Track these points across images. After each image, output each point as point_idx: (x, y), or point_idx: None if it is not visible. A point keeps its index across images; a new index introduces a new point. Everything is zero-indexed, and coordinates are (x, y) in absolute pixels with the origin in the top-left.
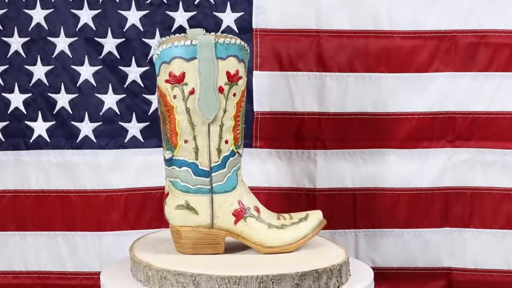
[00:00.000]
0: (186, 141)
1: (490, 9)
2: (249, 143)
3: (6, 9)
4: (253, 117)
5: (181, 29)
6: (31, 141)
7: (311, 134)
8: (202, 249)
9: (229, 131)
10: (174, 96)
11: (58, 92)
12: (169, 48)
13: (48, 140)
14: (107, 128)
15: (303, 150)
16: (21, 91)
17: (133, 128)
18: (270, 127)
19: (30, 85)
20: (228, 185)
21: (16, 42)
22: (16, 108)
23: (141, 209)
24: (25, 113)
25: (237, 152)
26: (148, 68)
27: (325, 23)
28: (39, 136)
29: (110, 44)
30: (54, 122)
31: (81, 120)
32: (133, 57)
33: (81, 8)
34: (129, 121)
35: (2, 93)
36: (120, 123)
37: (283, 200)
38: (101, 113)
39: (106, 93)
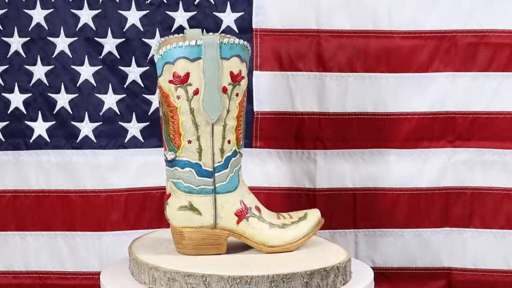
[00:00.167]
0: (189, 142)
1: (490, 9)
2: (249, 143)
3: (6, 9)
4: (253, 117)
5: (181, 29)
6: (31, 141)
7: (311, 134)
8: (205, 249)
9: (232, 131)
10: (178, 97)
11: (58, 92)
12: (173, 49)
13: (48, 140)
14: (107, 128)
15: (303, 150)
16: (21, 91)
17: (133, 128)
18: (270, 127)
19: (30, 85)
20: (231, 185)
21: (16, 42)
22: (16, 108)
23: (141, 209)
24: (25, 113)
25: (239, 152)
26: (148, 68)
27: (325, 23)
28: (39, 136)
29: (110, 44)
30: (54, 122)
31: (81, 120)
32: (133, 57)
33: (81, 8)
34: (129, 121)
35: (2, 93)
36: (120, 123)
37: (283, 200)
38: (101, 113)
39: (106, 93)
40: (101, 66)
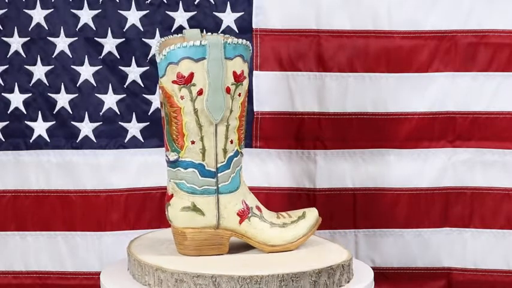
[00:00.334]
0: (193, 142)
1: (490, 9)
2: (249, 143)
3: (6, 9)
4: (253, 117)
5: (181, 29)
6: (31, 141)
7: (311, 134)
8: (207, 250)
9: (235, 131)
10: (182, 97)
11: (58, 92)
12: (177, 49)
13: (48, 140)
14: (107, 128)
15: (303, 150)
16: (21, 91)
17: (133, 128)
18: (270, 127)
19: (30, 85)
20: (233, 185)
21: (16, 42)
22: (16, 108)
23: (141, 209)
24: (25, 113)
25: (240, 152)
26: (148, 68)
27: (325, 23)
28: (39, 136)
29: (110, 44)
30: (54, 122)
31: (81, 120)
32: (133, 57)
33: (81, 8)
34: (129, 121)
35: (2, 93)
36: (120, 123)
37: (283, 200)
38: (101, 113)
39: (106, 93)
40: (101, 66)
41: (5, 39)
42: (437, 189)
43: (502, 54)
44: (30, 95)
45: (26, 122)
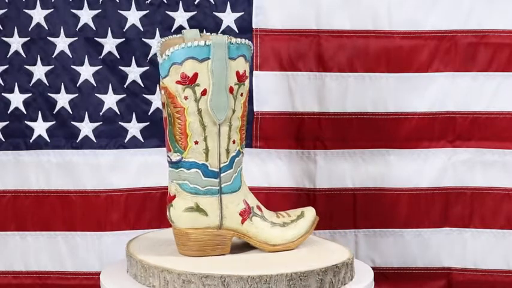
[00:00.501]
0: (196, 143)
1: (490, 9)
2: (249, 143)
3: (6, 9)
4: (253, 117)
5: (181, 29)
6: (31, 141)
7: (311, 134)
8: (210, 250)
9: (237, 131)
10: (186, 98)
11: (58, 92)
12: (181, 49)
13: (48, 140)
14: (107, 128)
15: (303, 150)
16: (21, 91)
17: (133, 128)
18: (270, 127)
19: (30, 85)
20: (235, 185)
21: (16, 42)
22: (16, 108)
23: (141, 209)
24: (25, 113)
25: (242, 151)
26: (148, 68)
27: (325, 23)
28: (39, 136)
29: (110, 44)
30: (54, 122)
31: (81, 120)
32: (133, 57)
33: (81, 8)
34: (129, 121)
35: (2, 93)
36: (120, 123)
37: (283, 200)
38: (101, 113)
39: (106, 93)
40: (101, 66)
41: (5, 39)
42: (437, 189)
43: (502, 54)
44: (30, 95)
45: (26, 122)
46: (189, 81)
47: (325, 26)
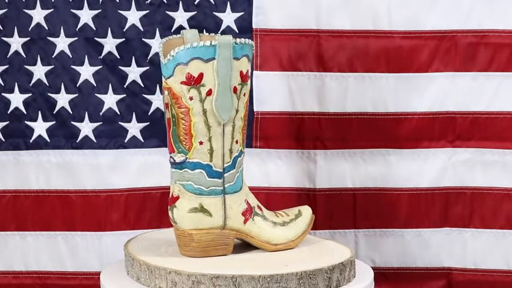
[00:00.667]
0: (201, 143)
1: (490, 9)
2: (249, 143)
3: (6, 9)
4: (253, 117)
5: (181, 29)
6: (31, 141)
7: (311, 134)
8: (213, 251)
9: (239, 131)
10: (191, 98)
11: (58, 92)
12: (187, 50)
13: (48, 140)
14: (107, 128)
15: (303, 150)
16: (21, 91)
17: (133, 128)
18: (270, 127)
19: (30, 85)
20: (237, 185)
21: (16, 42)
22: (16, 108)
23: (141, 209)
24: (25, 113)
25: (243, 151)
26: (148, 68)
27: (325, 23)
28: (39, 136)
29: (110, 44)
30: (54, 122)
31: (81, 120)
32: (133, 57)
33: (81, 8)
34: (129, 121)
35: (2, 93)
36: (120, 123)
37: (283, 200)
38: (101, 113)
39: (106, 93)
40: (101, 66)
41: (5, 39)
42: (437, 189)
43: (502, 54)
44: (30, 95)
45: (26, 122)
46: (194, 81)
47: (325, 26)
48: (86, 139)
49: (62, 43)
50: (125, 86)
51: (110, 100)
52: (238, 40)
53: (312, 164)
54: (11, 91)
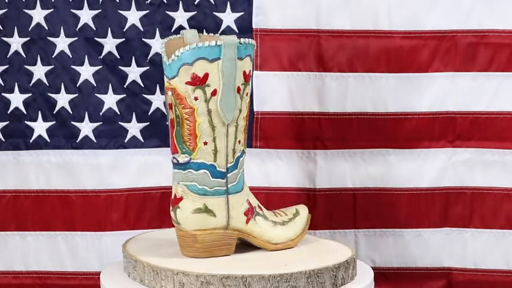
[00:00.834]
0: (205, 143)
1: (490, 9)
2: (249, 143)
3: (6, 9)
4: (253, 117)
5: (181, 29)
6: (31, 141)
7: (311, 134)
8: (216, 251)
9: (242, 131)
10: (195, 98)
11: (58, 92)
12: (192, 50)
13: (48, 140)
14: (107, 128)
15: (303, 150)
16: (21, 91)
17: (133, 128)
18: (270, 127)
19: (30, 85)
20: (239, 185)
21: (16, 42)
22: (16, 108)
23: (141, 209)
24: (25, 113)
25: (245, 151)
26: (148, 68)
27: (325, 23)
28: (39, 136)
29: (110, 44)
30: (54, 122)
31: (81, 120)
32: (133, 57)
33: (81, 8)
34: (129, 121)
35: (2, 93)
36: (120, 123)
37: (283, 200)
38: (101, 113)
39: (106, 93)
40: (101, 66)
41: (5, 39)
42: (437, 189)
43: (502, 54)
44: (30, 95)
45: (26, 122)
46: (200, 81)
47: (325, 26)
48: (86, 139)
49: (62, 43)
50: (124, 86)
51: (110, 100)
52: (242, 40)
53: (312, 164)
54: (11, 91)
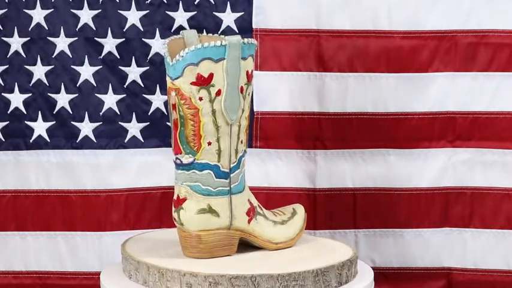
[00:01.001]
0: (209, 144)
1: (490, 9)
2: (249, 143)
3: (6, 9)
4: (253, 117)
5: (181, 29)
6: (31, 141)
7: (311, 134)
8: (219, 251)
9: (244, 131)
10: (200, 98)
11: (58, 92)
12: (197, 50)
13: (48, 140)
14: (107, 128)
15: (303, 150)
16: (21, 91)
17: (133, 128)
18: (270, 127)
19: (30, 85)
20: (241, 185)
21: (16, 42)
22: (16, 108)
23: (141, 209)
24: (25, 113)
25: (246, 151)
26: (148, 68)
27: (325, 23)
28: (39, 136)
29: (110, 44)
30: (54, 122)
31: (81, 120)
32: (133, 57)
33: (81, 8)
34: (129, 121)
35: (2, 93)
36: (120, 123)
37: (283, 200)
38: (101, 113)
39: (106, 93)
40: (101, 66)
41: (5, 39)
42: (437, 189)
43: (502, 54)
44: (30, 95)
45: (26, 122)
46: (205, 81)
47: (325, 26)
48: (86, 139)
49: (62, 43)
50: (125, 86)
51: (110, 100)
52: (246, 40)
53: (312, 164)
54: (11, 91)
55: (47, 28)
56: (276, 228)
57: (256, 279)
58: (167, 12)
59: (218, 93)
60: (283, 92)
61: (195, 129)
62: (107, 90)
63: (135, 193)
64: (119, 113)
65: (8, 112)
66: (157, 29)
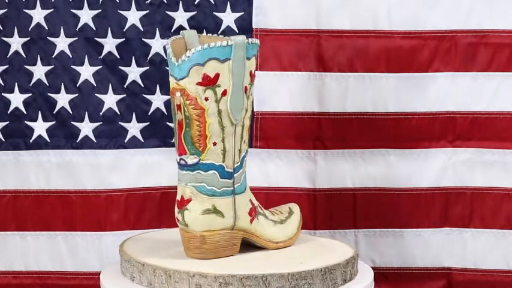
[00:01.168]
0: (214, 144)
1: (490, 9)
2: (249, 143)
3: (6, 9)
4: (253, 117)
5: (181, 29)
6: (31, 141)
7: (311, 134)
8: (223, 252)
9: (247, 131)
10: (206, 99)
11: (58, 92)
12: (203, 50)
13: (48, 140)
14: (107, 128)
15: (303, 150)
16: (21, 91)
17: (133, 128)
18: (270, 127)
19: (30, 85)
20: (243, 185)
21: (16, 42)
22: (16, 108)
23: (141, 209)
24: (25, 113)
25: (248, 151)
26: (148, 68)
27: (325, 23)
28: (39, 136)
29: (110, 44)
30: (54, 122)
31: (81, 120)
32: (133, 57)
33: (81, 8)
34: (129, 121)
35: (2, 93)
36: (120, 123)
37: (283, 200)
38: (101, 113)
39: (106, 93)
40: (101, 66)
41: (5, 39)
42: (437, 189)
43: (502, 54)
44: (30, 95)
45: (26, 122)
46: (211, 81)
47: (325, 26)
48: (86, 139)
49: (62, 43)
50: (125, 86)
51: (110, 100)
52: (250, 40)
53: (312, 164)
54: (11, 91)
55: (47, 28)
56: (276, 228)
57: (267, 279)
58: (167, 12)
59: (224, 93)
60: (283, 92)
61: (200, 129)
62: (107, 90)
63: (135, 193)
64: (119, 113)
65: (8, 112)
66: (157, 29)
